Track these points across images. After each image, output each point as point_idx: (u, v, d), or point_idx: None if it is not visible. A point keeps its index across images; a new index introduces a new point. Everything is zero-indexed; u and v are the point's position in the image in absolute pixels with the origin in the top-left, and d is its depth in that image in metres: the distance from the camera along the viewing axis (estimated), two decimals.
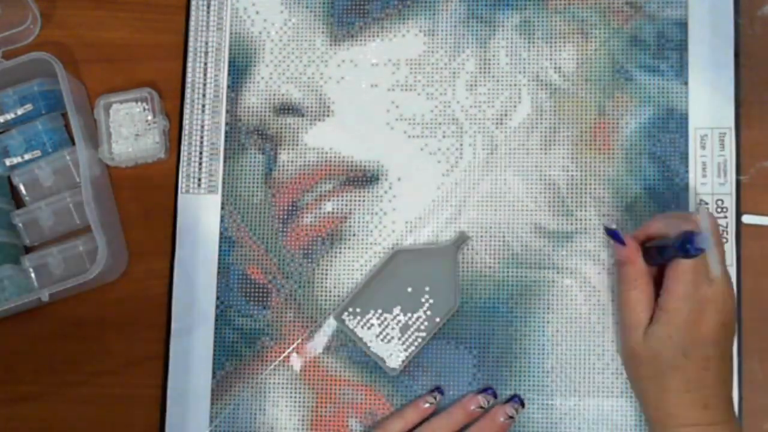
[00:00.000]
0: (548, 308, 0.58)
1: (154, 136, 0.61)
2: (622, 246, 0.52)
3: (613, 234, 0.52)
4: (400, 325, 0.57)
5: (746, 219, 0.57)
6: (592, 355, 0.57)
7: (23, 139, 0.62)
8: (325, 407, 0.58)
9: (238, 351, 0.59)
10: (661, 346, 0.49)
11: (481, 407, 0.56)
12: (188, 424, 0.59)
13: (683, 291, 0.49)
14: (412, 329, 0.57)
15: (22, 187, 0.62)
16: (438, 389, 0.57)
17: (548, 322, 0.58)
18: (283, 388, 0.59)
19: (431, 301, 0.57)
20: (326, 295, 0.59)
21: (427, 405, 0.56)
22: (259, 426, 0.58)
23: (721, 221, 0.57)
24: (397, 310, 0.57)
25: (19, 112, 0.62)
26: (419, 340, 0.57)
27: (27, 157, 0.62)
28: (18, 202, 0.63)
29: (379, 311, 0.57)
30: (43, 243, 0.62)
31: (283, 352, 0.59)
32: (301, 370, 0.59)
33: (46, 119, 0.62)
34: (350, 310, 0.57)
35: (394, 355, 0.57)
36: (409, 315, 0.57)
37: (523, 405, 0.56)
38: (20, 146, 0.62)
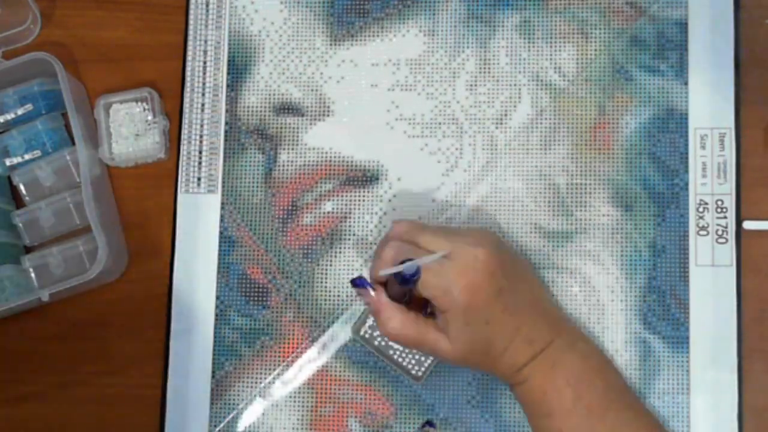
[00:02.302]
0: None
1: (154, 136, 0.61)
2: (372, 296, 0.51)
3: (357, 282, 0.51)
4: None
5: (747, 225, 0.57)
6: None
7: (23, 139, 0.62)
8: (325, 407, 0.58)
9: (237, 350, 0.59)
10: (466, 338, 0.49)
11: None
12: (188, 425, 0.59)
13: (439, 291, 0.48)
14: None
15: (22, 187, 0.62)
16: (430, 423, 0.57)
17: None
18: (282, 387, 0.59)
19: None
20: (326, 295, 0.59)
21: None
22: (259, 426, 0.58)
23: (721, 221, 0.57)
24: None
25: (19, 112, 0.62)
26: None
27: (27, 157, 0.62)
28: (18, 202, 0.63)
29: None
30: (43, 243, 0.62)
31: (283, 352, 0.59)
32: (300, 370, 0.59)
33: (46, 119, 0.62)
34: (368, 324, 0.57)
35: (417, 363, 0.57)
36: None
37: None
38: (20, 146, 0.62)
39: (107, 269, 0.58)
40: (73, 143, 0.61)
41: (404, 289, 0.50)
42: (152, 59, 0.63)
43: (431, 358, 0.56)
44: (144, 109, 0.61)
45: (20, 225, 0.61)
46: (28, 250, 0.62)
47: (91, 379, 0.61)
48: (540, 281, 0.57)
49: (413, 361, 0.56)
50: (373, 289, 0.51)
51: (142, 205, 0.62)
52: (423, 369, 0.56)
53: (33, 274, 0.61)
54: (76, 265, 0.60)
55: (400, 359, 0.57)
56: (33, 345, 0.61)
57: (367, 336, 0.57)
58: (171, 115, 0.63)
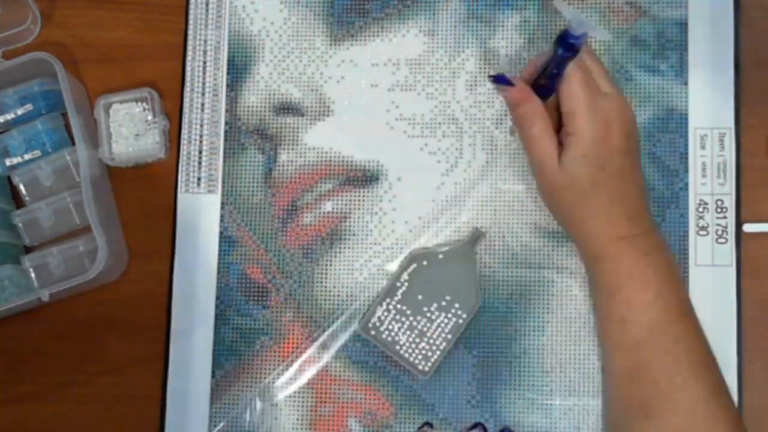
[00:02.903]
0: (548, 308, 0.58)
1: (154, 136, 0.61)
2: (511, 87, 0.51)
3: (499, 79, 0.52)
4: (425, 329, 0.57)
5: (747, 228, 0.57)
6: (592, 355, 0.57)
7: (23, 139, 0.62)
8: (325, 407, 0.58)
9: (237, 350, 0.59)
10: (578, 168, 0.49)
11: None
12: (188, 424, 0.59)
13: (583, 109, 0.49)
14: (438, 331, 0.57)
15: (22, 187, 0.62)
16: (481, 426, 0.57)
17: (548, 321, 0.58)
18: (282, 387, 0.59)
19: (454, 301, 0.57)
20: (326, 295, 0.59)
21: None
22: (259, 425, 0.58)
23: (721, 221, 0.57)
24: (420, 315, 0.57)
25: (19, 112, 0.62)
26: (446, 341, 0.57)
27: (27, 157, 0.62)
28: (18, 202, 0.63)
29: (404, 318, 0.57)
30: (43, 243, 0.62)
31: (282, 351, 0.59)
32: (300, 370, 0.59)
33: (46, 119, 0.62)
34: (374, 319, 0.57)
35: (423, 358, 0.57)
36: (434, 318, 0.57)
37: None
38: (20, 146, 0.62)
39: (107, 269, 0.58)
40: (73, 143, 0.61)
41: (551, 91, 0.50)
42: (152, 59, 0.63)
43: (438, 352, 0.56)
44: (144, 109, 0.61)
45: (20, 225, 0.61)
46: (28, 250, 0.62)
47: (91, 379, 0.61)
48: None
49: (420, 356, 0.57)
50: (513, 85, 0.51)
51: (142, 205, 0.62)
52: (430, 364, 0.56)
53: (33, 274, 0.61)
54: (76, 265, 0.60)
55: (406, 354, 0.57)
56: (33, 345, 0.61)
57: (374, 332, 0.57)
58: (171, 115, 0.63)
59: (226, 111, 0.62)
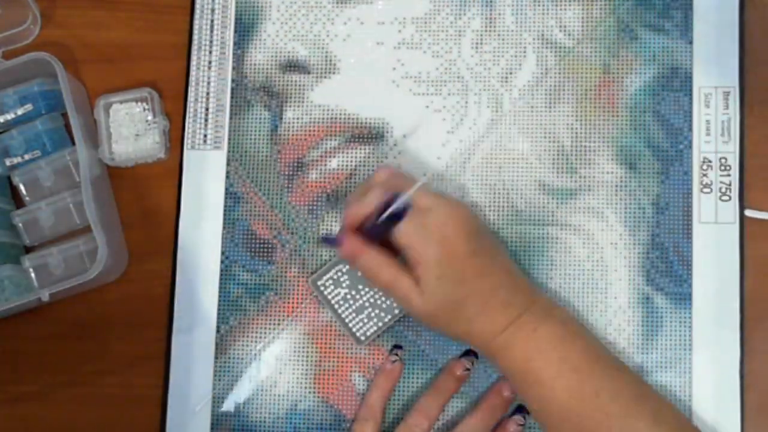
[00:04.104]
0: (551, 264, 0.58)
1: (154, 136, 0.61)
2: (341, 245, 0.52)
3: (327, 241, 0.53)
4: (373, 298, 0.57)
5: (749, 213, 0.57)
6: (595, 311, 0.57)
7: (23, 139, 0.61)
8: (328, 362, 0.59)
9: (242, 306, 0.60)
10: (439, 291, 0.50)
11: (467, 369, 0.56)
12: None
13: (416, 239, 0.49)
14: (386, 303, 0.57)
15: (22, 187, 0.62)
16: (472, 353, 0.57)
17: (551, 278, 0.58)
18: (286, 343, 0.59)
19: None
20: (330, 251, 0.60)
21: (462, 371, 0.56)
22: (263, 380, 0.59)
23: (724, 179, 0.57)
24: (369, 288, 0.57)
25: (19, 112, 0.62)
26: (392, 314, 0.57)
27: (27, 157, 0.62)
28: (18, 202, 0.63)
29: (354, 282, 0.57)
30: (43, 243, 0.62)
31: (287, 307, 0.59)
32: (304, 326, 0.59)
33: (46, 119, 0.62)
34: (327, 277, 0.58)
35: (363, 326, 0.57)
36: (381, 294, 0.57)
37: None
38: (20, 146, 0.62)
39: (107, 269, 0.58)
40: (73, 143, 0.60)
41: (377, 237, 0.51)
42: (152, 59, 0.63)
43: (378, 325, 0.57)
44: (144, 109, 0.61)
45: (20, 225, 0.61)
46: (28, 250, 0.62)
47: (91, 379, 0.61)
48: (510, 256, 0.56)
49: (359, 324, 0.57)
50: (338, 245, 0.52)
51: (142, 205, 0.62)
52: (367, 335, 0.57)
53: (33, 274, 0.60)
54: (76, 265, 0.60)
55: (347, 320, 0.57)
56: (33, 345, 0.61)
57: (323, 288, 0.58)
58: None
59: (233, 68, 0.62)
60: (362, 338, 0.57)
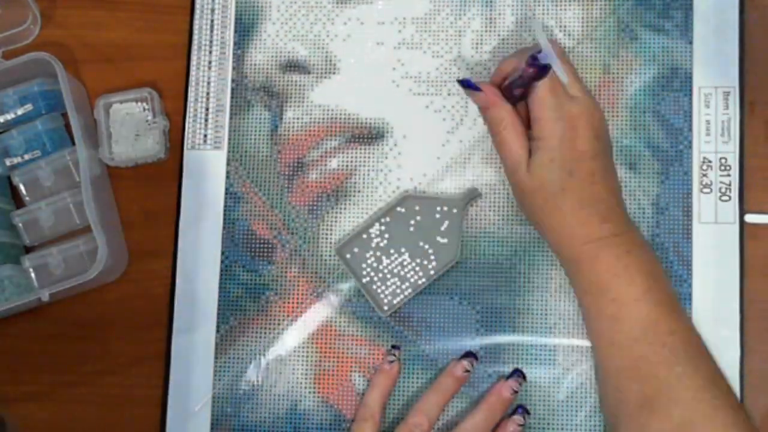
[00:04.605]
0: (551, 264, 0.58)
1: (154, 136, 0.61)
2: (479, 92, 0.52)
3: (466, 84, 0.52)
4: (398, 268, 0.57)
5: (749, 218, 0.57)
6: None
7: (23, 139, 0.61)
8: (328, 362, 0.59)
9: (242, 306, 0.60)
10: (546, 172, 0.50)
11: (467, 371, 0.56)
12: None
13: (550, 114, 0.49)
14: (410, 274, 0.57)
15: (22, 187, 0.62)
16: (472, 354, 0.57)
17: (551, 278, 0.58)
18: (286, 343, 0.59)
19: (433, 249, 0.57)
20: (331, 251, 0.60)
21: (462, 373, 0.56)
22: (263, 380, 0.59)
23: (724, 179, 0.57)
24: (398, 254, 0.57)
25: (19, 112, 0.62)
26: (416, 286, 0.57)
27: (27, 157, 0.62)
28: (18, 202, 0.63)
29: (380, 252, 0.58)
30: (43, 243, 0.62)
31: (287, 307, 0.59)
32: (304, 326, 0.59)
33: (46, 119, 0.62)
34: (352, 245, 0.58)
35: (388, 297, 0.57)
36: (410, 260, 0.57)
37: (525, 378, 0.56)
38: (20, 146, 0.62)
39: (107, 269, 0.58)
40: (73, 143, 0.60)
41: (520, 97, 0.50)
42: (152, 59, 0.63)
43: (403, 295, 0.57)
44: (144, 109, 0.61)
45: (20, 225, 0.61)
46: (28, 250, 0.62)
47: (91, 379, 0.61)
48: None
49: (384, 293, 0.57)
50: (480, 90, 0.52)
51: (142, 205, 0.62)
52: (393, 304, 0.57)
53: (33, 274, 0.60)
54: (76, 265, 0.60)
55: (374, 286, 0.57)
56: (33, 345, 0.61)
57: (349, 256, 0.58)
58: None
59: (233, 68, 0.62)
60: (386, 307, 0.57)
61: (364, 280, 0.58)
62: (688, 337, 0.50)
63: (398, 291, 0.57)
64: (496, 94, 0.52)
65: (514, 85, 0.51)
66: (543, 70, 0.48)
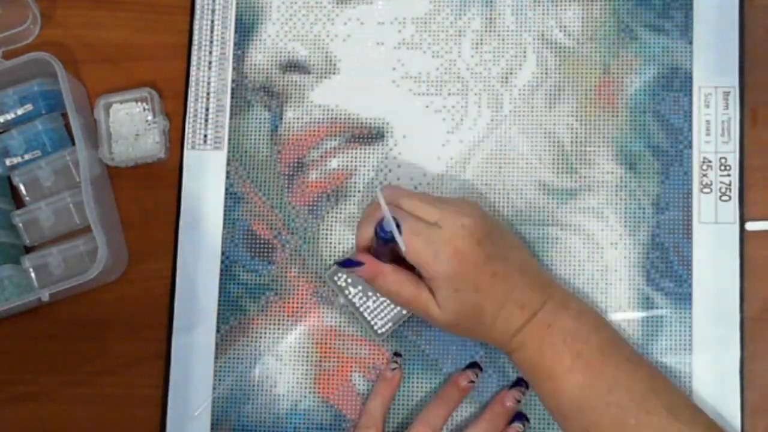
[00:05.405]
0: (551, 265, 0.58)
1: (154, 136, 0.61)
2: (362, 266, 0.52)
3: (347, 264, 0.52)
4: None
5: (750, 226, 0.57)
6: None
7: (23, 139, 0.61)
8: (329, 362, 0.59)
9: (242, 306, 0.60)
10: (455, 303, 0.50)
11: (472, 381, 0.56)
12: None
13: (425, 256, 0.49)
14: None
15: (22, 187, 0.62)
16: (476, 365, 0.57)
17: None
18: (286, 343, 0.59)
19: None
20: (331, 251, 0.60)
21: (467, 383, 0.56)
22: (263, 380, 0.59)
23: (724, 179, 0.57)
24: None
25: (19, 112, 0.62)
26: (408, 309, 0.57)
27: (27, 157, 0.62)
28: (18, 202, 0.63)
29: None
30: (43, 243, 0.62)
31: (287, 307, 0.59)
32: (305, 326, 0.59)
33: (46, 119, 0.61)
34: (343, 271, 0.58)
35: (382, 321, 0.57)
36: None
37: (527, 387, 0.56)
38: (20, 146, 0.62)
39: (107, 269, 0.58)
40: (73, 143, 0.60)
41: (390, 253, 0.51)
42: (152, 59, 0.63)
43: (396, 318, 0.57)
44: (144, 109, 0.61)
45: (20, 225, 0.61)
46: (28, 250, 0.62)
47: (91, 379, 0.61)
48: (526, 248, 0.56)
49: (378, 318, 0.57)
50: (362, 264, 0.52)
51: (142, 205, 0.62)
52: (386, 328, 0.57)
53: (33, 274, 0.60)
54: (76, 265, 0.60)
55: (366, 314, 0.57)
56: (33, 345, 0.61)
57: (341, 284, 0.58)
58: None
59: (233, 69, 0.62)
60: (380, 331, 0.57)
61: (356, 305, 0.57)
62: (630, 382, 0.49)
63: (392, 314, 0.57)
64: (375, 262, 0.52)
65: (380, 246, 0.51)
66: (388, 236, 0.49)
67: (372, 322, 0.57)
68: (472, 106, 0.60)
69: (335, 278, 0.58)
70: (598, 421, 0.48)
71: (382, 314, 0.57)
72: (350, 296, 0.58)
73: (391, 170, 0.60)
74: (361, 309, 0.57)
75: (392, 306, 0.57)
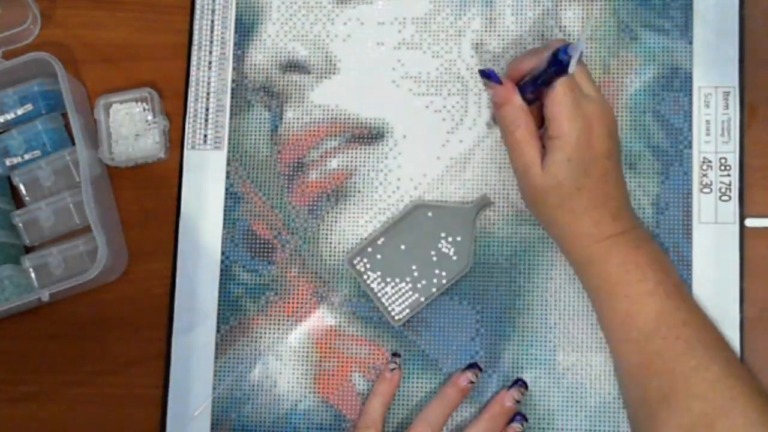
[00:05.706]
0: (551, 264, 0.58)
1: (154, 136, 0.61)
2: (498, 85, 0.51)
3: (488, 74, 0.52)
4: (409, 278, 0.57)
5: (749, 223, 0.57)
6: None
7: (23, 139, 0.61)
8: (329, 362, 0.59)
9: (242, 306, 0.60)
10: (562, 172, 0.50)
11: (472, 382, 0.56)
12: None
13: (567, 113, 0.49)
14: (421, 284, 0.57)
15: (22, 187, 0.62)
16: (476, 366, 0.57)
17: (551, 278, 0.58)
18: (286, 343, 0.59)
19: (445, 258, 0.57)
20: (331, 251, 0.60)
21: (467, 384, 0.56)
22: (263, 380, 0.59)
23: (724, 179, 0.57)
24: (408, 263, 0.57)
25: (19, 112, 0.62)
26: (427, 295, 0.57)
27: (27, 157, 0.62)
28: (18, 202, 0.63)
29: (391, 262, 0.57)
30: (43, 243, 0.62)
31: (287, 308, 0.59)
32: (304, 326, 0.59)
33: (46, 119, 0.61)
34: (363, 256, 0.58)
35: (399, 307, 0.57)
36: (420, 269, 0.57)
37: (527, 387, 0.57)
38: (20, 146, 0.62)
39: (107, 269, 0.58)
40: (73, 143, 0.60)
41: (536, 97, 0.50)
42: (152, 59, 0.63)
43: (414, 305, 0.57)
44: (144, 109, 0.61)
45: (20, 225, 0.61)
46: (28, 250, 0.62)
47: (91, 379, 0.61)
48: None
49: (395, 305, 0.57)
50: (500, 83, 0.51)
51: (142, 205, 0.62)
52: (403, 314, 0.57)
53: (33, 274, 0.60)
54: (76, 265, 0.60)
55: (384, 299, 0.57)
56: (33, 345, 0.61)
57: (359, 267, 0.58)
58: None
59: (233, 69, 0.62)
60: (398, 317, 0.57)
61: (375, 291, 0.58)
62: (702, 326, 0.50)
63: (410, 301, 0.57)
64: (514, 90, 0.51)
65: (530, 84, 0.51)
66: (567, 60, 0.47)
67: (390, 308, 0.57)
68: (472, 106, 0.60)
69: (354, 261, 0.58)
70: (662, 351, 0.48)
71: (400, 300, 0.57)
72: (369, 281, 0.58)
73: (391, 170, 0.60)
74: (379, 294, 0.57)
75: (411, 293, 0.57)
